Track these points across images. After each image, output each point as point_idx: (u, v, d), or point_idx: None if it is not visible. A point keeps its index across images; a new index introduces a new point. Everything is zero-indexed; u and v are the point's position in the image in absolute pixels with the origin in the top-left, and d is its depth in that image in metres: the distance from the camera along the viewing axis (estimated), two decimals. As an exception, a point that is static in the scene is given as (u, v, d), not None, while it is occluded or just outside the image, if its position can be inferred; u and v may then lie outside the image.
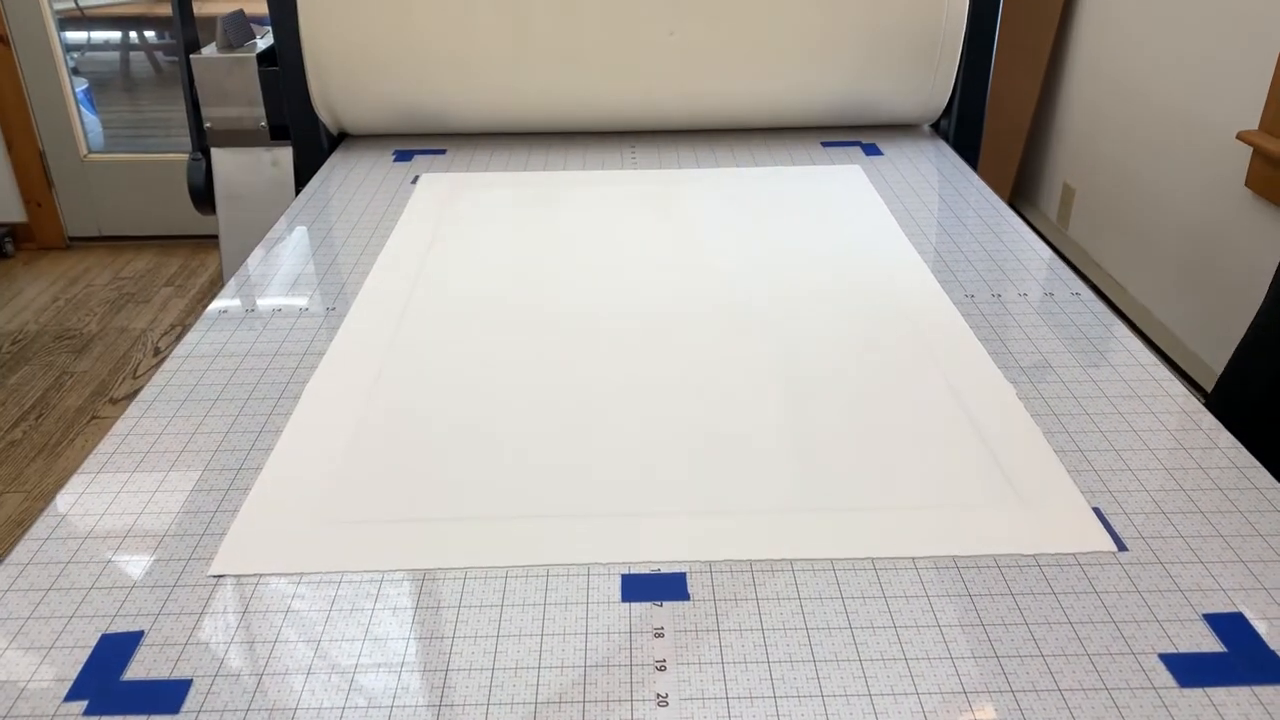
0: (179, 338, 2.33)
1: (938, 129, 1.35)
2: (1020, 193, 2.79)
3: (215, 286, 2.59)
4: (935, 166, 1.21)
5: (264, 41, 1.27)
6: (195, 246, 2.80)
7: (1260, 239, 1.74)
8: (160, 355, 2.28)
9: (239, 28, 1.25)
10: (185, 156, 2.73)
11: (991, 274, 0.92)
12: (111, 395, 2.12)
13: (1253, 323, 0.97)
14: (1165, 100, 2.03)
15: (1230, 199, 1.82)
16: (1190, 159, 1.95)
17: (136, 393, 2.15)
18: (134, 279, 2.64)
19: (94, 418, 2.05)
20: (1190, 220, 1.96)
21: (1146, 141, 2.11)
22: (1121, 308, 2.24)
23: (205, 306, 2.58)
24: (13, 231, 2.75)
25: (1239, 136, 1.72)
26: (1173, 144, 2.01)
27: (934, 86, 1.25)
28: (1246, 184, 1.75)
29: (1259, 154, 1.70)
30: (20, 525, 1.74)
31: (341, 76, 1.20)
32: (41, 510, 1.87)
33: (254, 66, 1.22)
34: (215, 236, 2.62)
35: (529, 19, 1.18)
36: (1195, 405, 0.71)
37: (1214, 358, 1.92)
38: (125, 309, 2.48)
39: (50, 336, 2.35)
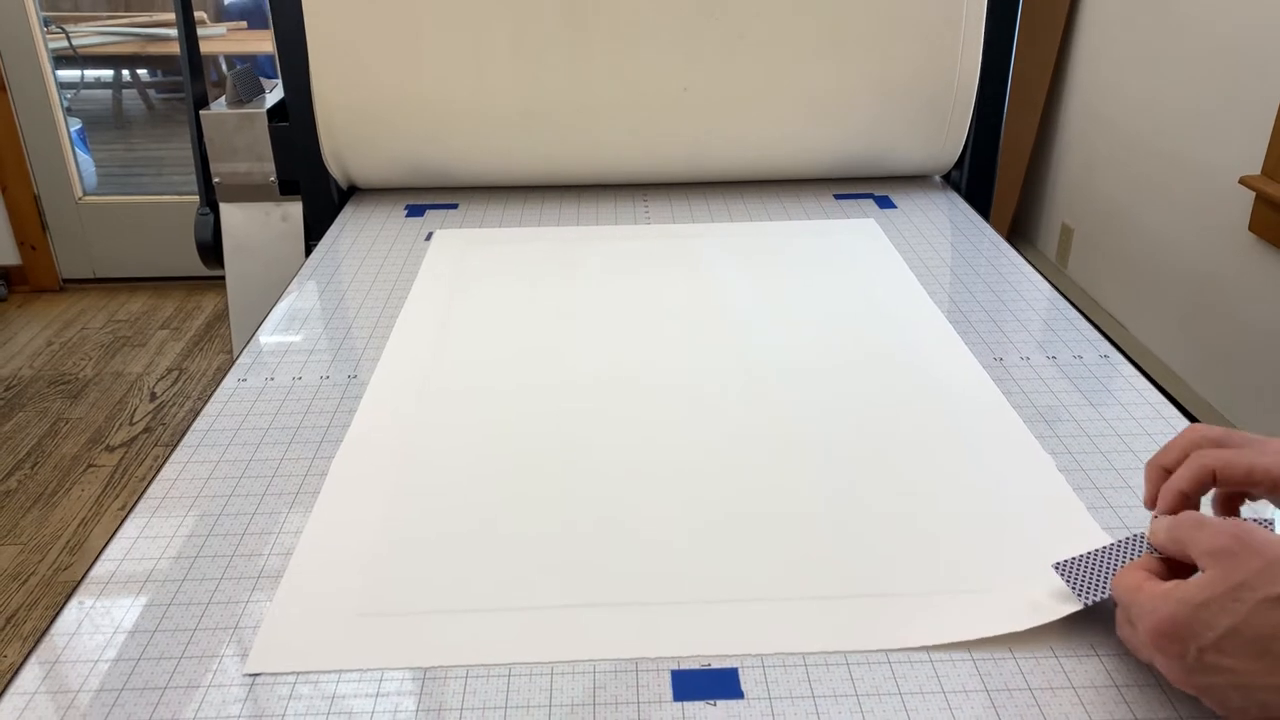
0: (175, 382, 2.31)
1: (949, 180, 1.35)
2: (1019, 232, 2.80)
3: (213, 329, 2.57)
4: (949, 219, 1.21)
5: (273, 96, 1.26)
6: (191, 288, 2.79)
7: (1264, 282, 1.74)
8: (156, 400, 2.25)
9: (248, 83, 1.24)
10: (181, 197, 2.72)
11: (1018, 335, 0.92)
12: (108, 443, 2.09)
13: None
14: (1164, 143, 2.05)
15: (1233, 242, 1.83)
16: (1191, 202, 1.96)
17: (133, 440, 2.12)
18: (129, 321, 2.61)
19: (90, 465, 2.02)
20: (1191, 262, 1.97)
21: (1146, 184, 2.13)
22: (1123, 347, 2.24)
23: (202, 348, 2.54)
24: (6, 274, 2.73)
25: (1241, 181, 1.73)
26: (1172, 187, 2.02)
27: (947, 139, 1.25)
28: (1250, 228, 1.76)
29: (1262, 199, 1.71)
30: (16, 579, 1.70)
31: (352, 131, 1.19)
32: (41, 564, 1.82)
33: (264, 122, 1.21)
34: (210, 278, 2.60)
35: (541, 74, 1.17)
36: (1237, 477, 0.70)
37: (1218, 399, 1.92)
38: (121, 352, 2.45)
39: (45, 382, 2.32)
